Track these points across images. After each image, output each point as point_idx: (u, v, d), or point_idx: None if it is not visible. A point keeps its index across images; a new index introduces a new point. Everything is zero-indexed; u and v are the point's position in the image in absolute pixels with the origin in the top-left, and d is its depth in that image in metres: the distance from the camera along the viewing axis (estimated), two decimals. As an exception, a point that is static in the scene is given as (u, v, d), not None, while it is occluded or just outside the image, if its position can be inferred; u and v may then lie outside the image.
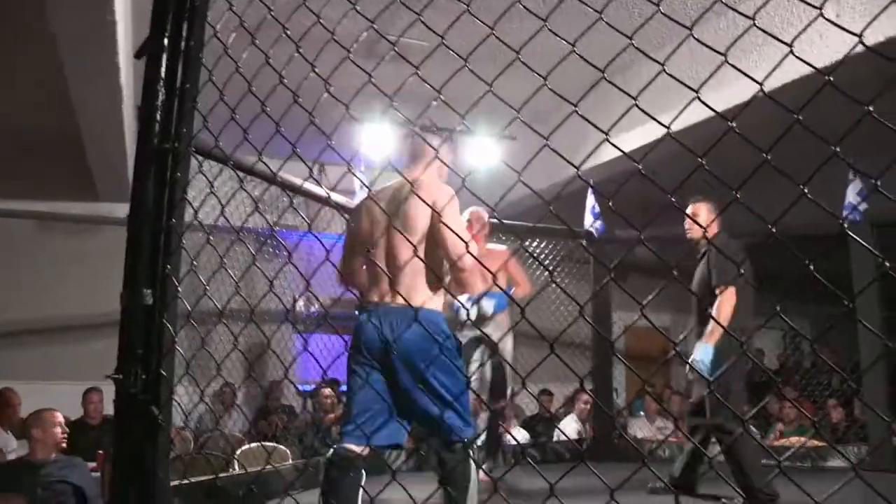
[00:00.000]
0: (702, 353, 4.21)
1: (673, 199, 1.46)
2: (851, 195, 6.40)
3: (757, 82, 1.33)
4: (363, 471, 2.71)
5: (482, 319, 4.89)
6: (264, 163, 1.89)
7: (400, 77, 1.61)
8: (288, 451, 5.71)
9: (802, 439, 6.87)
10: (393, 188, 3.03)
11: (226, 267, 1.84)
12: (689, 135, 1.54)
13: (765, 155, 1.32)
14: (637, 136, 5.45)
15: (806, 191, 1.27)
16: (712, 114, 1.45)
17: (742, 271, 4.26)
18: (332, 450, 2.76)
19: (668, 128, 1.40)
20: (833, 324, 1.55)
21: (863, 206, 6.34)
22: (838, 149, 1.22)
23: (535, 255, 7.22)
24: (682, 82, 1.42)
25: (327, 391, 7.02)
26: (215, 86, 1.80)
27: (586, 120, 1.57)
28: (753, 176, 1.36)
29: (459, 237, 2.75)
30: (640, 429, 7.90)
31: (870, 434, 6.31)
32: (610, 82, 1.57)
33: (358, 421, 2.72)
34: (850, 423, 7.18)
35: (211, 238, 1.89)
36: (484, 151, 7.97)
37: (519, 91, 1.74)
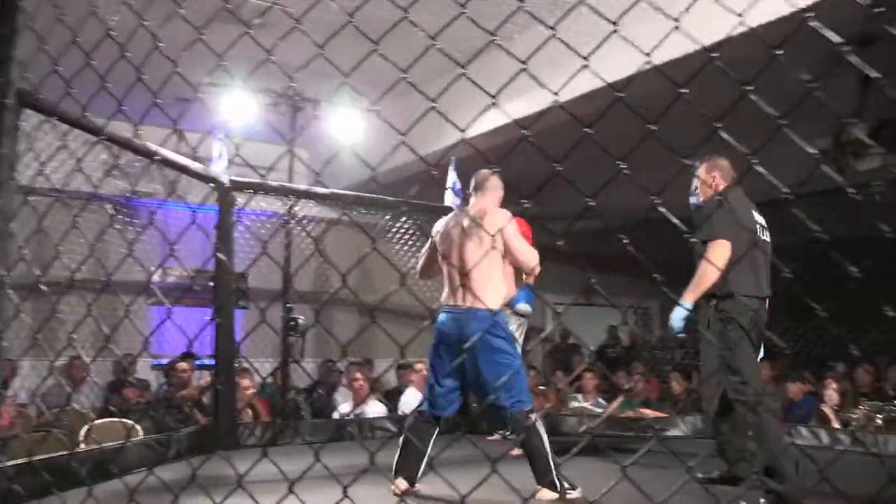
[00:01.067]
0: (674, 314, 3.79)
1: (559, 168, 1.49)
2: (694, 182, 6.71)
3: (645, 54, 1.37)
4: (435, 428, 4.01)
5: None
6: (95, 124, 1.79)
7: (268, 46, 1.57)
8: (139, 427, 5.50)
9: (649, 411, 7.27)
10: (464, 214, 4.13)
11: (78, 229, 1.75)
12: (557, 113, 1.58)
13: (650, 126, 1.36)
14: (511, 110, 5.55)
15: (682, 161, 1.33)
16: (593, 88, 1.50)
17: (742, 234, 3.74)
18: (419, 412, 4.07)
19: (555, 93, 1.43)
20: (677, 301, 1.63)
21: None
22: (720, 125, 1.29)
23: (397, 230, 7.25)
24: (573, 49, 1.45)
25: (183, 366, 6.80)
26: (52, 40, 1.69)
27: (473, 82, 1.57)
28: (637, 151, 1.41)
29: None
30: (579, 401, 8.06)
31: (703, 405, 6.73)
32: (501, 45, 1.58)
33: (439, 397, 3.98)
34: (689, 395, 7.63)
35: (58, 202, 1.78)
36: (348, 124, 7.90)
37: (386, 64, 1.73)
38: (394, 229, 7.64)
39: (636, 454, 4.37)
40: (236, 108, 7.35)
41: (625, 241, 1.44)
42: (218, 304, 5.98)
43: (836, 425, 6.34)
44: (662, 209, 1.43)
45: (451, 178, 7.44)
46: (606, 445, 4.62)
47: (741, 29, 1.49)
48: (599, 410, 7.32)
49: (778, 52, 1.35)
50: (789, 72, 1.38)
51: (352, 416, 7.04)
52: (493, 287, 3.90)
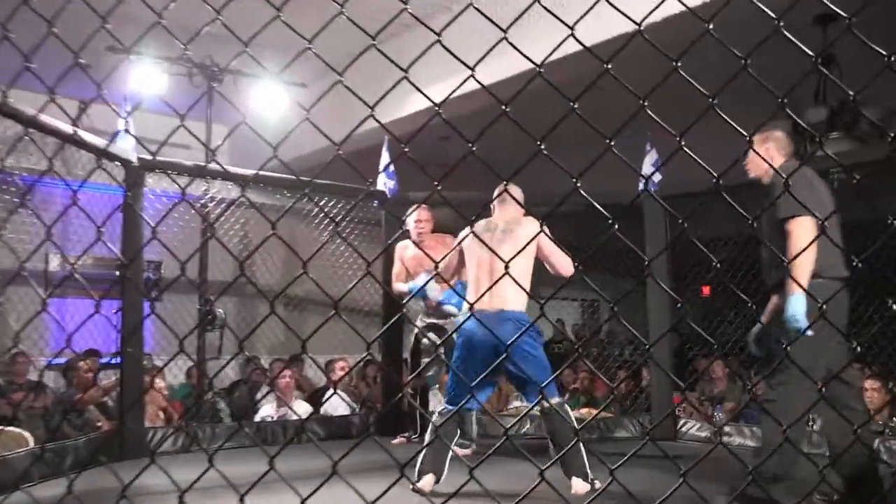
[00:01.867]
0: (793, 306, 3.51)
1: (474, 150, 1.49)
2: (647, 166, 6.86)
3: (576, 38, 1.38)
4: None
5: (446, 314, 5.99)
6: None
7: (187, 13, 1.52)
8: (28, 436, 5.28)
9: (593, 411, 7.37)
10: (495, 222, 4.71)
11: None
12: (493, 90, 1.57)
13: (572, 104, 1.37)
14: (435, 93, 5.54)
15: (612, 144, 1.34)
16: (521, 70, 1.50)
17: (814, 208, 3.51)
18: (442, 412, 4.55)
19: (472, 69, 1.42)
20: (633, 288, 1.66)
21: (657, 177, 6.82)
22: (646, 102, 1.30)
23: (326, 213, 7.18)
24: (497, 25, 1.44)
25: (84, 365, 6.55)
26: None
27: (388, 58, 1.56)
28: (563, 135, 1.42)
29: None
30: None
31: (653, 405, 6.88)
32: (419, 20, 1.57)
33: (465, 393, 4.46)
34: (637, 394, 7.77)
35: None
36: (272, 98, 7.78)
37: (323, 39, 1.69)
38: (321, 215, 7.59)
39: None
40: (145, 79, 7.18)
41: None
42: (126, 296, 5.83)
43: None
44: (583, 193, 1.44)
45: (384, 159, 7.41)
46: (539, 447, 4.71)
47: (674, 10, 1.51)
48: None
49: (710, 27, 1.38)
50: (751, 52, 1.40)
51: (276, 419, 6.97)
52: (519, 290, 4.41)
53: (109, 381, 6.52)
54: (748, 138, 1.48)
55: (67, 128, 5.03)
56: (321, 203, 7.16)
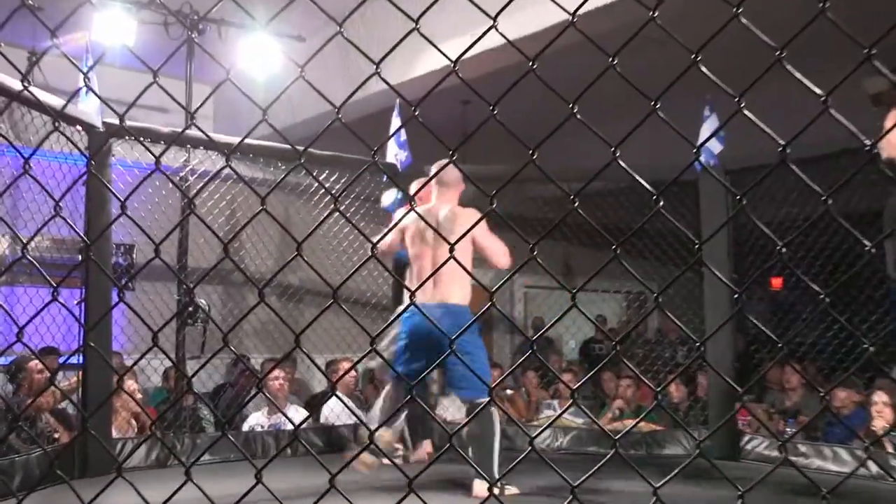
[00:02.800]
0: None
1: (496, 117, 1.49)
2: (706, 134, 6.70)
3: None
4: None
5: None
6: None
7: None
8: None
9: (640, 424, 7.36)
10: (434, 211, 5.26)
11: None
12: (519, 46, 1.58)
13: (611, 59, 1.38)
14: (451, 49, 5.54)
15: (658, 107, 1.34)
16: (551, 22, 1.50)
17: None
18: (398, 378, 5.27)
19: (493, 19, 1.42)
20: (684, 271, 1.65)
21: (717, 148, 6.74)
22: (699, 57, 1.30)
23: (325, 187, 7.18)
24: None
25: (37, 365, 6.36)
26: None
27: (396, 6, 1.56)
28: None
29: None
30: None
31: (711, 417, 6.86)
32: None
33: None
34: (692, 404, 7.74)
35: None
36: (263, 53, 7.78)
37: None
38: (322, 192, 7.60)
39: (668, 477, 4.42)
40: (112, 27, 7.13)
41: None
42: (90, 284, 5.83)
43: (890, 450, 5.99)
44: (622, 165, 1.44)
45: (395, 126, 7.38)
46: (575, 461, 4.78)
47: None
48: (580, 421, 7.40)
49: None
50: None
51: (266, 427, 7.03)
52: (462, 284, 5.11)
53: (68, 383, 6.47)
54: (823, 98, 1.46)
55: (15, 83, 4.93)
56: (321, 177, 7.17)
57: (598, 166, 1.54)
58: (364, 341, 1.77)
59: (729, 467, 6.16)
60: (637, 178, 1.49)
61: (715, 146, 6.70)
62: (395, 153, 7.41)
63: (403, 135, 7.44)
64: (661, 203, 1.43)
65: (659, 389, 1.42)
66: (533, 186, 7.65)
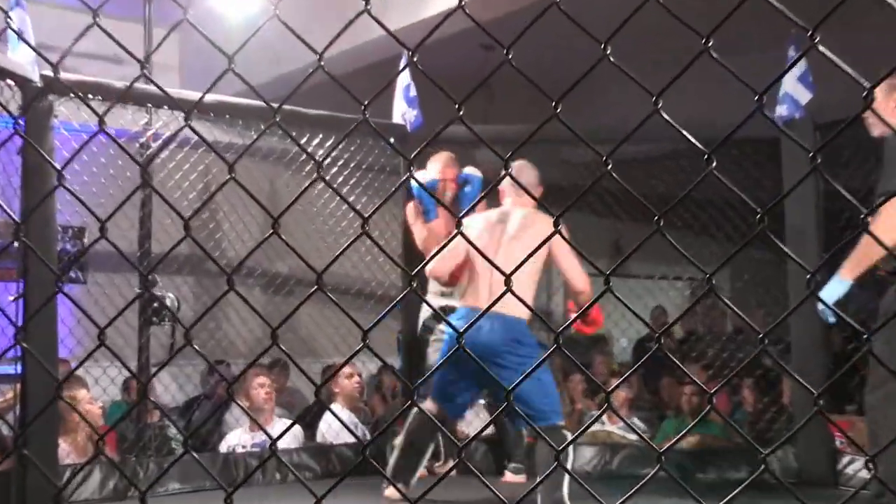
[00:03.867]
0: (828, 290, 4.25)
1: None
2: (789, 81, 6.64)
3: None
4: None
5: None
6: None
7: None
8: None
9: (708, 439, 7.33)
10: (508, 213, 5.67)
11: None
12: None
13: None
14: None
15: (710, 45, 1.33)
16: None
17: None
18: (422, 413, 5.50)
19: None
20: (741, 247, 1.65)
21: (803, 97, 6.63)
22: None
23: (309, 154, 7.17)
24: None
25: None
26: None
27: None
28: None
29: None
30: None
31: (797, 432, 6.68)
32: None
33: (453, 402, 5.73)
34: (776, 416, 7.62)
35: None
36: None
37: None
38: (309, 159, 7.59)
39: None
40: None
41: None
42: (28, 276, 5.77)
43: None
44: (665, 117, 1.43)
45: (403, 79, 7.35)
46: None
47: None
48: (634, 437, 7.38)
49: None
50: None
51: (250, 447, 7.04)
52: (524, 295, 4.93)
53: (2, 399, 6.45)
54: None
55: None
56: (314, 142, 7.13)
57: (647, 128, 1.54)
58: (377, 344, 1.78)
59: (824, 496, 5.97)
60: (682, 132, 1.47)
61: (801, 94, 6.56)
62: (402, 111, 7.36)
63: (413, 90, 7.39)
64: (714, 164, 1.42)
65: (711, 393, 1.42)
66: (570, 150, 7.63)
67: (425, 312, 6.75)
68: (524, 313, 5.36)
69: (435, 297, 6.59)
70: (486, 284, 5.48)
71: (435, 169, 6.67)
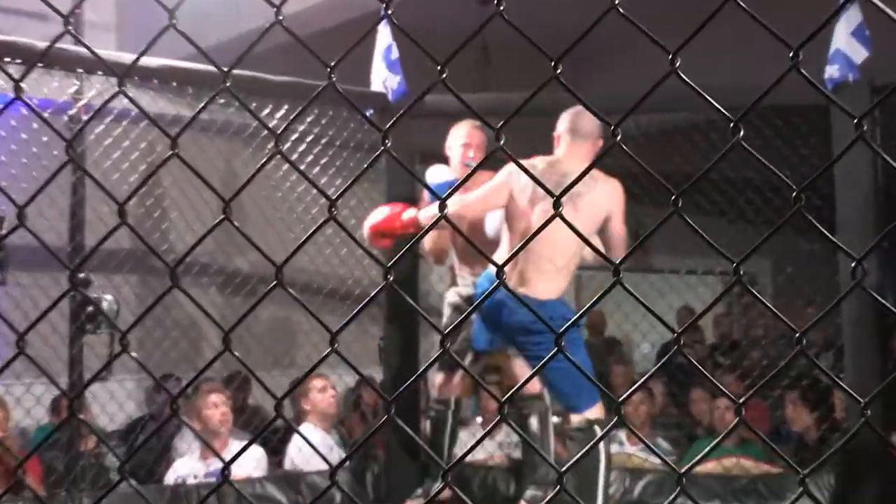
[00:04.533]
0: None
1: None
2: (841, 36, 6.55)
3: None
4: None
5: None
6: None
7: None
8: None
9: (746, 463, 7.33)
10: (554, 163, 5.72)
11: None
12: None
13: None
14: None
15: None
16: None
17: None
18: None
19: None
20: (774, 230, 1.65)
21: (858, 55, 6.55)
22: None
23: (264, 123, 7.15)
24: None
25: None
26: None
27: None
28: None
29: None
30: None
31: (848, 454, 6.71)
32: None
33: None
34: (826, 433, 7.69)
35: None
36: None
37: None
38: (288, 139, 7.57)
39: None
40: None
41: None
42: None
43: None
44: (683, 77, 1.44)
45: (384, 39, 7.30)
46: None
47: None
48: (658, 461, 7.38)
49: None
50: None
51: (203, 477, 7.03)
52: (568, 272, 5.78)
53: None
54: None
55: None
56: (276, 115, 7.11)
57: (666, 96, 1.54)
58: (355, 353, 1.78)
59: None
60: (704, 95, 1.48)
61: (856, 51, 6.46)
62: (383, 78, 7.30)
63: (395, 51, 7.34)
64: (742, 133, 1.42)
65: (740, 403, 1.43)
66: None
67: (453, 297, 6.87)
68: (559, 291, 5.68)
69: (466, 288, 6.74)
70: (517, 257, 5.52)
71: (458, 137, 6.66)
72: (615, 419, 1.52)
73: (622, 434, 8.07)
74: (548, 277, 5.60)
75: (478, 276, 6.46)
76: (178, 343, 9.23)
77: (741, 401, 1.47)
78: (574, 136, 5.74)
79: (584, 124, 5.71)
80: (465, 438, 7.33)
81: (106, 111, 7.03)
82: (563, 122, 5.76)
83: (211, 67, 6.80)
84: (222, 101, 7.10)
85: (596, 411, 5.68)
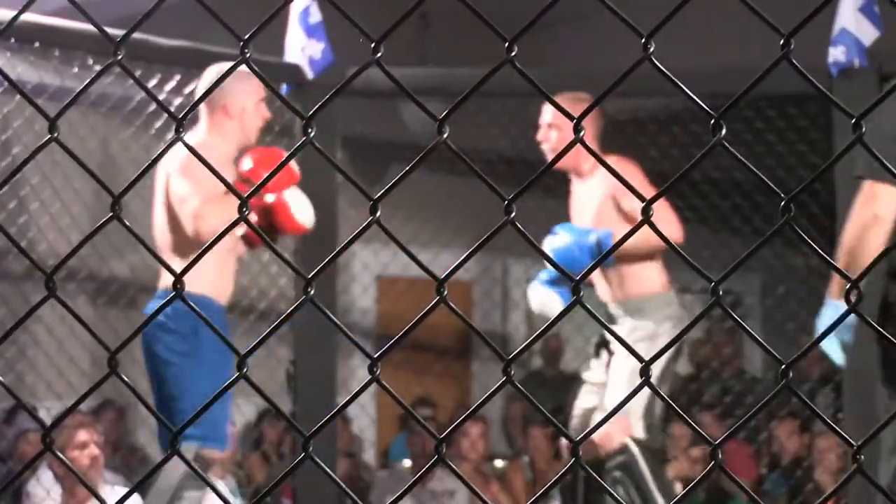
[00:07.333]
0: (826, 318, 4.56)
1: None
2: (848, 14, 6.71)
3: None
4: None
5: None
6: None
7: None
8: None
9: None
10: None
11: None
12: None
13: None
14: None
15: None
16: None
17: None
18: None
19: None
20: (766, 238, 1.73)
21: (867, 35, 6.62)
22: None
23: (161, 103, 7.19)
24: None
25: None
26: None
27: None
28: None
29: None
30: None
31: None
32: None
33: None
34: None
35: None
36: None
37: None
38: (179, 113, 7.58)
39: None
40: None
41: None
42: None
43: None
44: (656, 63, 1.50)
45: (300, 2, 7.26)
46: None
47: None
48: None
49: None
50: None
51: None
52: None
53: None
54: None
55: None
56: (166, 87, 7.12)
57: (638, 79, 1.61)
58: (264, 378, 1.82)
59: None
60: (681, 87, 1.53)
61: (864, 31, 6.55)
62: (301, 45, 7.22)
63: (316, 13, 7.27)
64: (724, 132, 1.49)
65: (715, 445, 1.51)
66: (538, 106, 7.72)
67: None
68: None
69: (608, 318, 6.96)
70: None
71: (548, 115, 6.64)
72: (571, 462, 1.58)
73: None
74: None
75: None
76: (37, 363, 9.13)
77: (717, 442, 1.54)
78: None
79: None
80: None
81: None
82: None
83: (85, 25, 6.92)
84: (94, 63, 7.10)
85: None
